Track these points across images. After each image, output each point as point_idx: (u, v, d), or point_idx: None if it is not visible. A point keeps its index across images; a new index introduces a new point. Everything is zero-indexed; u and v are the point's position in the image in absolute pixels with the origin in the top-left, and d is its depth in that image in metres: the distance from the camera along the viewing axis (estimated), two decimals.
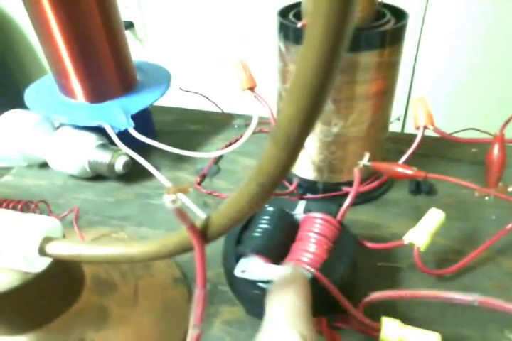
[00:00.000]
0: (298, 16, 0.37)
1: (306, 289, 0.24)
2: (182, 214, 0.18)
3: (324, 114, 0.37)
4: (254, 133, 0.42)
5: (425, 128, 0.34)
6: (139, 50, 1.26)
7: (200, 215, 0.37)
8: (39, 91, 0.48)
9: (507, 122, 0.36)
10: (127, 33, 1.20)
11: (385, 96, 0.37)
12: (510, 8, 0.83)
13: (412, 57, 0.93)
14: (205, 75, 1.16)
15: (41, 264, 0.24)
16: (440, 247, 0.38)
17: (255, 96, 0.37)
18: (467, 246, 0.38)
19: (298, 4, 0.39)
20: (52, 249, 0.23)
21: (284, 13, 0.38)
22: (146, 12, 1.18)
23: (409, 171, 0.32)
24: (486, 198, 0.40)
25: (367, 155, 0.34)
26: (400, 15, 0.37)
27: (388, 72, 0.36)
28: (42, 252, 0.23)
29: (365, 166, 0.34)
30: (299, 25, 0.34)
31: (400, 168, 0.32)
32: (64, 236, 0.25)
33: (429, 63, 0.93)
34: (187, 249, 0.20)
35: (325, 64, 0.13)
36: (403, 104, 0.95)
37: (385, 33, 0.33)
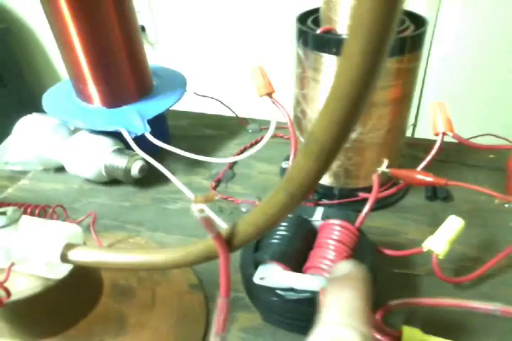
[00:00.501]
0: (316, 22, 0.37)
1: (366, 285, 0.22)
2: (209, 223, 0.18)
3: None
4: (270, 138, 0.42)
5: (444, 134, 0.34)
6: (150, 53, 1.26)
7: (217, 221, 0.37)
8: (56, 96, 0.48)
9: None
10: None
11: (403, 102, 0.37)
12: None
13: (424, 61, 0.93)
14: (217, 79, 1.16)
15: (63, 271, 0.24)
16: (458, 254, 0.38)
17: (273, 102, 0.37)
18: (485, 253, 0.38)
19: (316, 10, 0.39)
20: (74, 255, 0.23)
21: (302, 18, 0.38)
22: (158, 16, 1.19)
23: (429, 178, 0.31)
24: (506, 205, 0.39)
25: (385, 162, 0.34)
26: (418, 21, 0.36)
27: (407, 78, 0.35)
28: (64, 259, 0.23)
29: (383, 173, 0.34)
30: (318, 31, 0.34)
31: (420, 175, 0.32)
32: (84, 243, 0.25)
33: (442, 66, 0.93)
34: (211, 257, 0.20)
35: (364, 78, 0.13)
36: (414, 109, 0.95)
37: (404, 39, 0.33)
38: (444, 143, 0.39)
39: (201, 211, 0.17)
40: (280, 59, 0.84)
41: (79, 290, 0.27)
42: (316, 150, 0.15)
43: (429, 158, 0.35)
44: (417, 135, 0.52)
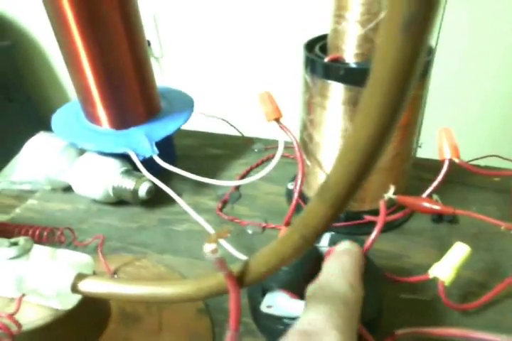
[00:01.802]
0: (324, 49, 0.38)
1: (360, 254, 0.28)
2: (222, 263, 0.18)
3: None
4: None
5: (450, 160, 0.34)
6: (155, 68, 1.28)
7: (224, 245, 0.37)
8: (65, 117, 0.49)
9: None
10: None
11: (409, 128, 0.38)
12: None
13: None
14: (222, 97, 1.17)
15: (72, 301, 0.24)
16: (464, 279, 0.38)
17: (281, 127, 0.37)
18: (491, 278, 0.38)
19: (324, 36, 0.39)
20: (85, 286, 0.23)
21: (310, 45, 0.38)
22: (163, 31, 1.21)
23: (436, 207, 0.31)
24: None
25: (392, 188, 0.34)
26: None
27: (414, 105, 0.36)
28: (74, 289, 0.23)
29: (390, 199, 0.34)
30: (326, 60, 0.34)
31: (427, 203, 0.32)
32: (94, 273, 0.25)
33: (446, 82, 0.93)
34: (222, 293, 0.20)
35: (382, 133, 0.13)
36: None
37: None
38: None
39: (214, 251, 0.17)
40: (287, 80, 0.84)
41: (88, 318, 0.27)
42: (331, 198, 0.15)
43: (435, 183, 0.35)
44: (421, 154, 0.53)
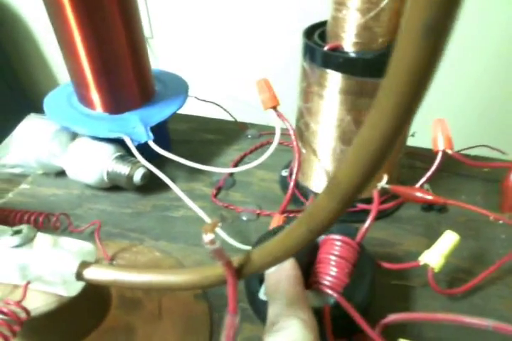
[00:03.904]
0: (323, 36, 0.37)
1: (296, 271, 0.27)
2: (220, 253, 0.18)
3: (344, 133, 0.38)
4: (269, 144, 0.43)
5: (444, 152, 0.35)
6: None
7: (218, 231, 0.38)
8: (57, 100, 0.48)
9: None
10: None
11: None
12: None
13: None
14: (215, 80, 1.15)
15: (76, 288, 0.25)
16: (451, 266, 0.39)
17: (278, 115, 0.37)
18: (477, 265, 0.39)
19: (324, 23, 0.39)
20: (89, 274, 0.24)
21: (309, 32, 0.38)
22: (153, 10, 1.17)
23: (428, 197, 0.32)
24: (500, 222, 0.41)
25: (385, 178, 0.35)
26: None
27: None
28: (79, 277, 0.24)
29: (383, 188, 0.35)
30: (325, 48, 0.34)
31: (419, 192, 0.33)
32: (97, 260, 0.26)
33: (440, 76, 0.94)
34: (225, 282, 0.20)
35: (394, 131, 0.13)
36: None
37: None
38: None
39: (212, 242, 0.18)
40: (284, 65, 0.83)
41: (90, 304, 0.27)
42: (340, 194, 0.16)
43: (428, 174, 0.36)
44: (413, 143, 0.54)
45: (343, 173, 0.16)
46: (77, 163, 0.43)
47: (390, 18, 0.34)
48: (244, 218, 0.43)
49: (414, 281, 0.38)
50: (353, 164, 0.15)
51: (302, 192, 0.45)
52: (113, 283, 0.24)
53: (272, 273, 0.27)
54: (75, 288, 0.24)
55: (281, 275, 0.26)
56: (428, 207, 0.45)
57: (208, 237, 0.18)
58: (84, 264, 0.24)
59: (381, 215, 0.44)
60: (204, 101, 0.55)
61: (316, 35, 0.38)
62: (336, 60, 0.34)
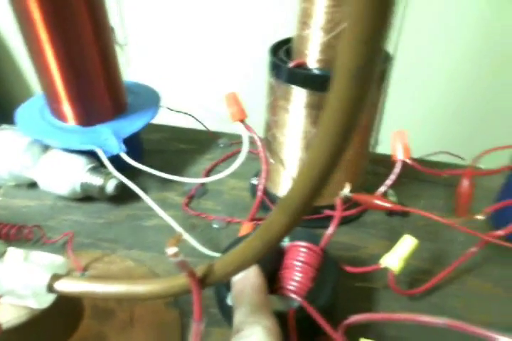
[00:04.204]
0: (289, 53, 0.39)
1: (260, 279, 0.28)
2: (183, 265, 0.20)
3: (310, 145, 0.40)
4: (239, 153, 0.44)
5: (403, 161, 0.37)
6: (119, 56, 1.24)
7: (189, 239, 0.39)
8: (29, 113, 0.48)
9: (478, 157, 0.39)
10: None
11: (367, 129, 0.40)
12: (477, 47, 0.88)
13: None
14: (188, 88, 1.16)
15: (48, 299, 0.26)
16: (412, 268, 0.41)
17: (245, 128, 0.39)
18: (436, 266, 0.42)
19: (289, 40, 0.41)
20: (60, 286, 0.24)
21: (275, 49, 0.40)
22: (128, 16, 1.17)
23: (387, 204, 0.34)
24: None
25: (348, 187, 0.37)
26: (384, 56, 0.39)
27: (371, 109, 0.39)
28: (50, 289, 0.24)
29: (346, 196, 0.37)
30: (290, 65, 0.36)
31: (379, 200, 0.35)
32: (68, 272, 0.27)
33: (404, 84, 0.97)
34: (190, 291, 0.22)
35: (333, 158, 0.15)
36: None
37: None
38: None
39: (176, 255, 0.19)
40: (254, 77, 0.84)
41: (62, 315, 0.28)
42: (291, 209, 0.17)
43: (388, 182, 0.38)
44: (378, 149, 0.56)
45: (293, 190, 0.17)
46: (50, 175, 0.44)
47: None
48: (216, 226, 0.45)
49: (377, 283, 0.40)
50: (300, 182, 0.17)
51: (271, 199, 0.47)
52: (83, 294, 0.25)
53: (237, 281, 0.28)
54: (46, 301, 0.25)
55: (246, 284, 0.28)
56: (391, 212, 0.48)
57: (171, 250, 0.20)
58: (56, 277, 0.25)
59: (347, 220, 0.46)
60: (176, 111, 0.56)
61: (282, 51, 0.40)
62: (300, 76, 0.36)
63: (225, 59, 1.07)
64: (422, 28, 0.87)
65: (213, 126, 0.60)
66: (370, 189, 0.45)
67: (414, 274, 0.41)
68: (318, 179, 0.17)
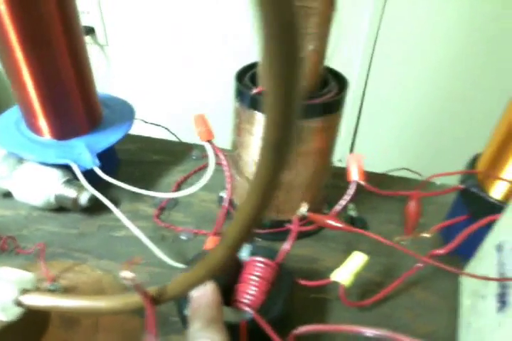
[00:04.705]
0: (254, 78, 0.42)
1: (215, 297, 0.31)
2: (138, 287, 0.23)
3: None
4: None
5: (357, 183, 0.41)
6: (100, 57, 1.25)
7: (156, 251, 0.42)
8: (5, 126, 0.50)
9: (424, 183, 0.43)
10: (87, 38, 1.20)
11: (326, 150, 0.43)
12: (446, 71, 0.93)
13: (360, 93, 1.01)
14: (161, 104, 1.18)
15: (16, 312, 0.28)
16: (364, 280, 0.44)
17: (212, 148, 0.42)
18: (388, 279, 0.45)
19: (256, 64, 0.43)
20: (27, 300, 0.27)
21: (241, 74, 0.42)
22: (108, 17, 1.18)
23: (339, 225, 0.38)
24: (402, 242, 0.47)
25: (305, 206, 0.40)
26: (342, 82, 0.42)
27: (328, 133, 0.41)
28: (18, 303, 0.27)
29: (303, 215, 0.40)
30: (254, 92, 0.39)
31: (332, 221, 0.38)
32: (36, 287, 0.29)
33: (375, 104, 1.02)
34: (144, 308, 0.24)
35: (262, 205, 0.18)
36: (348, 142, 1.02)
37: (326, 104, 0.39)
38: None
39: (131, 279, 0.22)
40: (223, 97, 0.87)
41: (29, 325, 0.30)
42: (228, 244, 0.20)
43: (343, 202, 0.41)
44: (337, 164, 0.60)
45: (231, 227, 0.20)
46: (25, 187, 0.46)
47: (310, 68, 0.39)
48: (184, 237, 0.47)
49: (331, 294, 0.43)
50: (236, 221, 0.20)
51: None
52: (49, 309, 0.27)
53: (194, 296, 0.31)
54: (13, 313, 0.27)
55: (202, 299, 0.30)
56: (351, 225, 0.51)
57: (126, 274, 0.22)
58: (24, 292, 0.27)
59: (308, 234, 0.49)
60: (151, 123, 0.58)
61: (248, 76, 0.42)
62: (262, 103, 0.39)
63: (201, 75, 1.11)
64: (393, 51, 0.91)
65: (186, 138, 0.62)
66: (333, 201, 0.48)
67: (367, 286, 0.44)
68: (250, 221, 0.19)
